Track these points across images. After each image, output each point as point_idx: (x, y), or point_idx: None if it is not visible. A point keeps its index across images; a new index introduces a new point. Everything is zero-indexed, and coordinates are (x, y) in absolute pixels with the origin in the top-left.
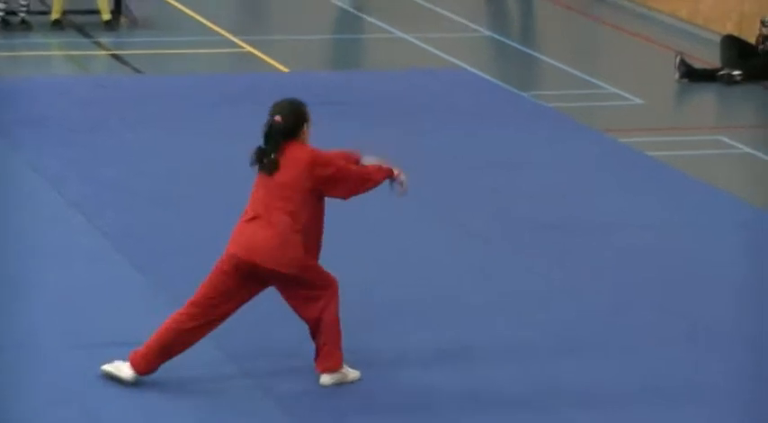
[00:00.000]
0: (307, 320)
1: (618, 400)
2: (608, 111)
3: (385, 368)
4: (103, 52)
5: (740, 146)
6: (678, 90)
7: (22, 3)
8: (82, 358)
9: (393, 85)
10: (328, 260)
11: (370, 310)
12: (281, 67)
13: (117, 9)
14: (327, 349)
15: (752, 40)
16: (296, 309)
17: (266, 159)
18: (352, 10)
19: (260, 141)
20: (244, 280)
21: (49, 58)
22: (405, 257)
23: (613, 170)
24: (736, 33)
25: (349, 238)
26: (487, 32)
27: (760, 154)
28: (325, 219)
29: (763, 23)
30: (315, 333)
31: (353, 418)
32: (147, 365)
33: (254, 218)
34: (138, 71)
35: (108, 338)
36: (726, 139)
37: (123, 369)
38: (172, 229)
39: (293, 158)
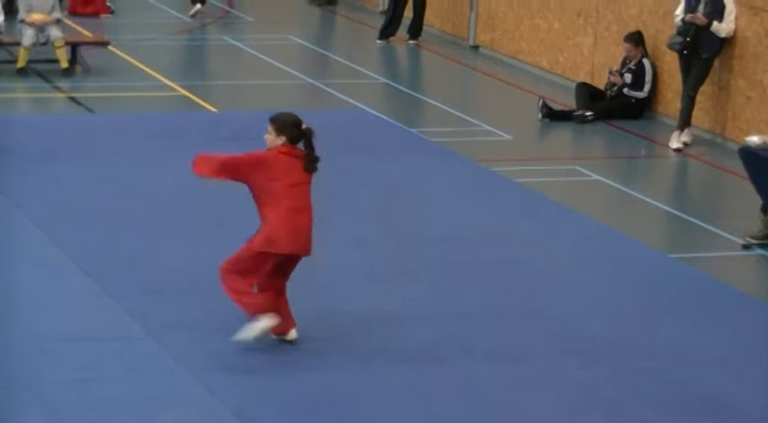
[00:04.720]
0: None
1: None
2: (482, 144)
3: None
4: (61, 95)
5: (591, 174)
6: (540, 127)
7: None
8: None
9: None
10: None
11: None
12: (210, 108)
13: (73, 59)
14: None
15: (601, 86)
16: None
17: (316, 161)
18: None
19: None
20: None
21: (16, 100)
22: None
23: (485, 192)
24: (588, 81)
25: None
26: (383, 79)
27: (607, 180)
28: None
29: (610, 73)
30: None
31: None
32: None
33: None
34: (90, 111)
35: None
36: (579, 168)
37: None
38: (119, 242)
39: None
